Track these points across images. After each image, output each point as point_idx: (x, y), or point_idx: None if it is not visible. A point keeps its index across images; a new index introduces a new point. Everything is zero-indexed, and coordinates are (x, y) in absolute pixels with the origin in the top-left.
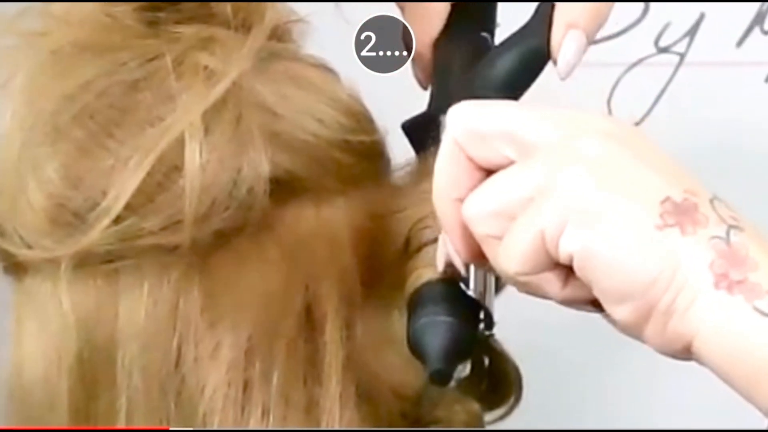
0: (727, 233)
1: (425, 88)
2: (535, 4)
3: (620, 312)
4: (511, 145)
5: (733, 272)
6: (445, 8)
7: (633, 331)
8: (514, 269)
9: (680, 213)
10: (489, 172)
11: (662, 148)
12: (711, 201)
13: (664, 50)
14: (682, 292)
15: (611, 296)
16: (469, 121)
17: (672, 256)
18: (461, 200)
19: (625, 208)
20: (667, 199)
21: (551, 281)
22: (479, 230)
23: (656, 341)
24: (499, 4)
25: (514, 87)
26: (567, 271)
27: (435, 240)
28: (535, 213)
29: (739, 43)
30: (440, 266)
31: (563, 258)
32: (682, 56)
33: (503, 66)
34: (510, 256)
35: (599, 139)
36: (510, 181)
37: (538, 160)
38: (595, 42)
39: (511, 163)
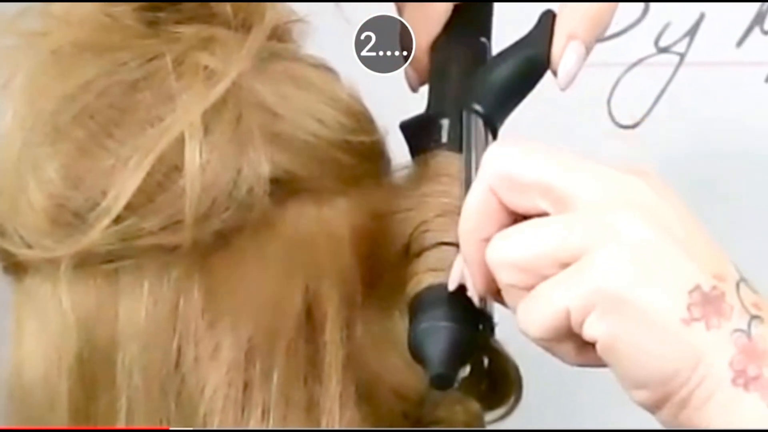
0: (749, 325)
1: (415, 91)
2: (532, 13)
3: (636, 395)
4: (547, 197)
5: (750, 367)
6: (445, 11)
7: (646, 409)
8: (533, 335)
9: (707, 304)
10: (518, 216)
11: (697, 222)
12: (737, 285)
13: (664, 50)
14: (700, 387)
15: (630, 382)
16: (505, 167)
17: (694, 351)
18: (487, 240)
19: (655, 300)
20: (696, 288)
21: (567, 349)
22: (503, 279)
23: (667, 423)
24: (497, 14)
25: (513, 95)
26: (584, 341)
27: (435, 245)
28: (563, 289)
29: (739, 43)
30: (452, 286)
31: (586, 338)
32: (682, 56)
33: (503, 73)
34: (530, 321)
35: (639, 220)
36: (541, 237)
37: (574, 224)
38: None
39: (544, 213)
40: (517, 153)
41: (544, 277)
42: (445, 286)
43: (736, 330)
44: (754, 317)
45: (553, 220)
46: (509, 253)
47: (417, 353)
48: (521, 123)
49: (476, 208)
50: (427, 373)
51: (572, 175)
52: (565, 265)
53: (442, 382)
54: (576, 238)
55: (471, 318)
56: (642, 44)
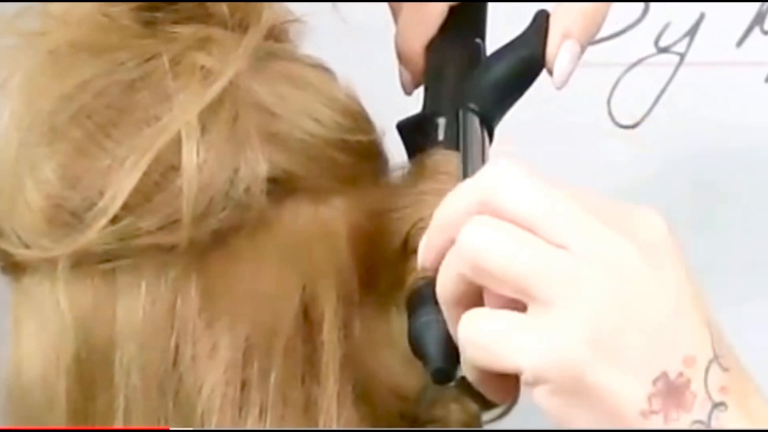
0: (710, 416)
1: (409, 94)
2: (527, 13)
3: None
4: (541, 231)
5: None
6: (440, 13)
7: None
8: (471, 361)
9: (669, 395)
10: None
11: (684, 265)
12: (707, 368)
13: (664, 50)
14: None
15: None
16: (506, 186)
17: None
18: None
19: (616, 387)
20: (662, 375)
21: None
22: (457, 256)
23: None
24: (491, 13)
25: (509, 94)
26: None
27: None
28: (518, 343)
29: (739, 43)
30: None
31: (534, 400)
32: (682, 56)
33: (498, 73)
34: (471, 347)
35: (618, 288)
36: (521, 250)
37: (556, 262)
38: (595, 42)
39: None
40: (522, 175)
41: (482, 290)
42: None
43: (695, 421)
44: (717, 405)
45: (541, 244)
46: (482, 243)
47: (416, 348)
48: (522, 123)
49: (458, 204)
50: (427, 368)
51: (562, 224)
52: (515, 290)
53: (442, 376)
54: (547, 278)
55: None
56: (642, 44)
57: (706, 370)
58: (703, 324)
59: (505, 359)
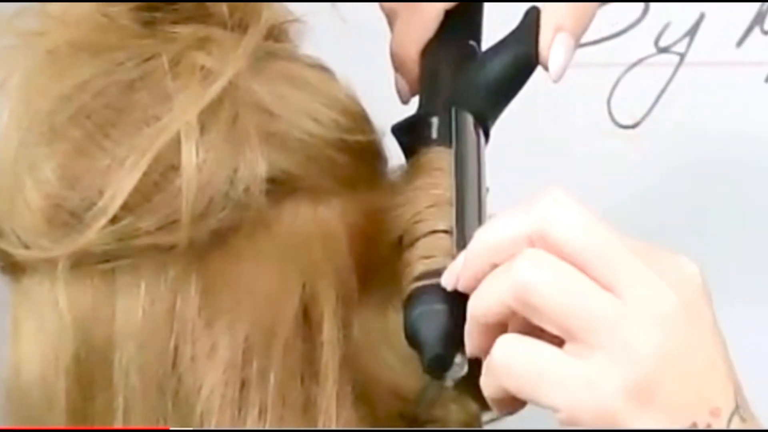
0: None
1: (406, 102)
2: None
3: None
4: (592, 270)
5: None
6: (436, 18)
7: None
8: (506, 386)
9: None
10: None
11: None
12: (730, 418)
13: (664, 50)
14: None
15: None
16: (562, 221)
17: None
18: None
19: None
20: (692, 426)
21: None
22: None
23: None
24: (486, 16)
25: (503, 93)
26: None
27: (427, 233)
28: (557, 379)
29: (739, 43)
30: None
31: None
32: (682, 56)
33: (491, 72)
34: (505, 375)
35: (659, 339)
36: (573, 290)
37: (602, 310)
38: (595, 42)
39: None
40: (583, 214)
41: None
42: (437, 271)
43: None
44: None
45: (592, 288)
46: (537, 282)
47: (413, 338)
48: (522, 123)
49: (508, 233)
50: (424, 358)
51: (614, 267)
52: (559, 329)
53: (439, 363)
54: (595, 323)
55: (464, 301)
56: (642, 44)
57: (729, 421)
58: (729, 376)
59: (543, 395)
